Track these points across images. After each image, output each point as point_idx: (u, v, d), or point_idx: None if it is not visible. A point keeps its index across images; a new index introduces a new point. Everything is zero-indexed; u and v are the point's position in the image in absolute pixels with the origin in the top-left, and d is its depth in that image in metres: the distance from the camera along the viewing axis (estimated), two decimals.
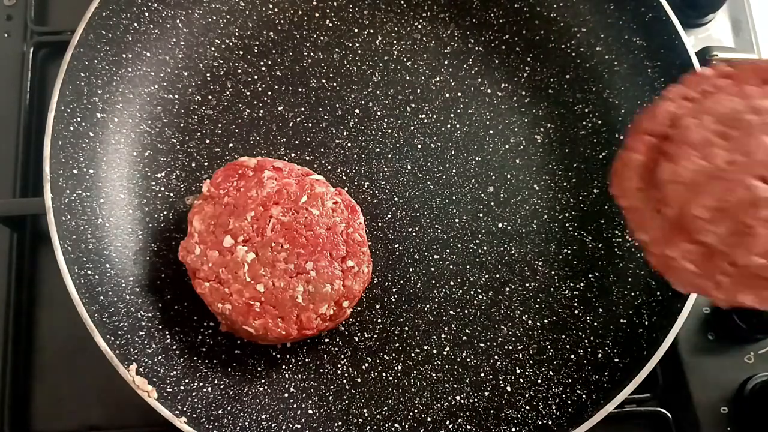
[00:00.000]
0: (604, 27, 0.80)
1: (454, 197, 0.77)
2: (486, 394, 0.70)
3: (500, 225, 0.76)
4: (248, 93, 0.79)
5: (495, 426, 0.68)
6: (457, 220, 0.76)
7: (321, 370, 0.70)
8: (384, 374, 0.71)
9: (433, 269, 0.74)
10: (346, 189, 0.72)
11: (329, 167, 0.77)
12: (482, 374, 0.71)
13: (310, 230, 0.65)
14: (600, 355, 0.70)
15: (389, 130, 0.79)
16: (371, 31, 0.82)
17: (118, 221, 0.72)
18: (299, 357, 0.70)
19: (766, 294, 0.46)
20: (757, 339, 0.77)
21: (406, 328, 0.72)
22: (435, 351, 0.72)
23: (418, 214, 0.76)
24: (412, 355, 0.71)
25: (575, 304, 0.74)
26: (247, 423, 0.66)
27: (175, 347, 0.68)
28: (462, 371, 0.71)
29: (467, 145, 0.79)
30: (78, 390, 0.74)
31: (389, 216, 0.76)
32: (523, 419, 0.68)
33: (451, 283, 0.74)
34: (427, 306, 0.73)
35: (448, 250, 0.75)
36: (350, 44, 0.81)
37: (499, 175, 0.78)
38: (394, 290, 0.74)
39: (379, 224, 0.75)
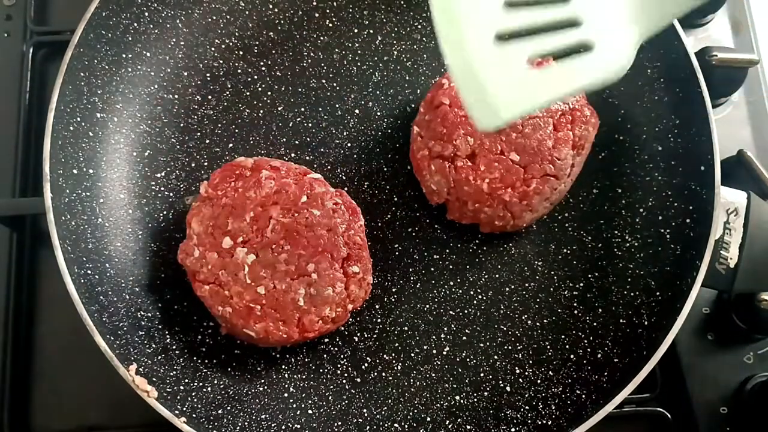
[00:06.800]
0: None
1: None
2: (485, 394, 0.70)
3: None
4: (248, 93, 0.79)
5: (494, 426, 0.68)
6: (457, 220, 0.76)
7: (321, 370, 0.70)
8: (384, 374, 0.71)
9: (433, 269, 0.74)
10: (346, 189, 0.72)
11: (329, 167, 0.77)
12: (482, 374, 0.71)
13: (310, 231, 0.65)
14: (599, 355, 0.70)
15: (389, 130, 0.79)
16: (371, 31, 0.82)
17: (117, 221, 0.72)
18: (299, 357, 0.70)
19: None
20: (756, 339, 0.77)
21: (406, 328, 0.72)
22: (434, 351, 0.72)
23: (418, 214, 0.76)
24: (412, 355, 0.71)
25: (575, 305, 0.74)
26: (246, 423, 0.66)
27: (174, 347, 0.68)
28: (461, 371, 0.71)
29: None
30: (78, 390, 0.74)
31: (389, 216, 0.76)
32: (523, 419, 0.68)
33: (451, 283, 0.74)
34: (427, 306, 0.73)
35: (447, 250, 0.75)
36: (350, 44, 0.81)
37: None
38: (393, 290, 0.74)
39: (379, 224, 0.75)
